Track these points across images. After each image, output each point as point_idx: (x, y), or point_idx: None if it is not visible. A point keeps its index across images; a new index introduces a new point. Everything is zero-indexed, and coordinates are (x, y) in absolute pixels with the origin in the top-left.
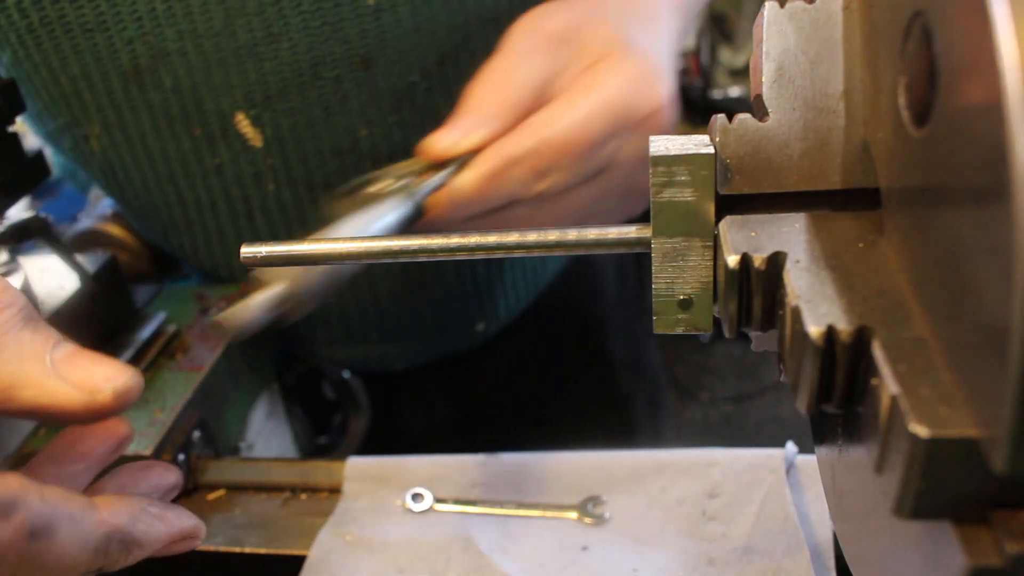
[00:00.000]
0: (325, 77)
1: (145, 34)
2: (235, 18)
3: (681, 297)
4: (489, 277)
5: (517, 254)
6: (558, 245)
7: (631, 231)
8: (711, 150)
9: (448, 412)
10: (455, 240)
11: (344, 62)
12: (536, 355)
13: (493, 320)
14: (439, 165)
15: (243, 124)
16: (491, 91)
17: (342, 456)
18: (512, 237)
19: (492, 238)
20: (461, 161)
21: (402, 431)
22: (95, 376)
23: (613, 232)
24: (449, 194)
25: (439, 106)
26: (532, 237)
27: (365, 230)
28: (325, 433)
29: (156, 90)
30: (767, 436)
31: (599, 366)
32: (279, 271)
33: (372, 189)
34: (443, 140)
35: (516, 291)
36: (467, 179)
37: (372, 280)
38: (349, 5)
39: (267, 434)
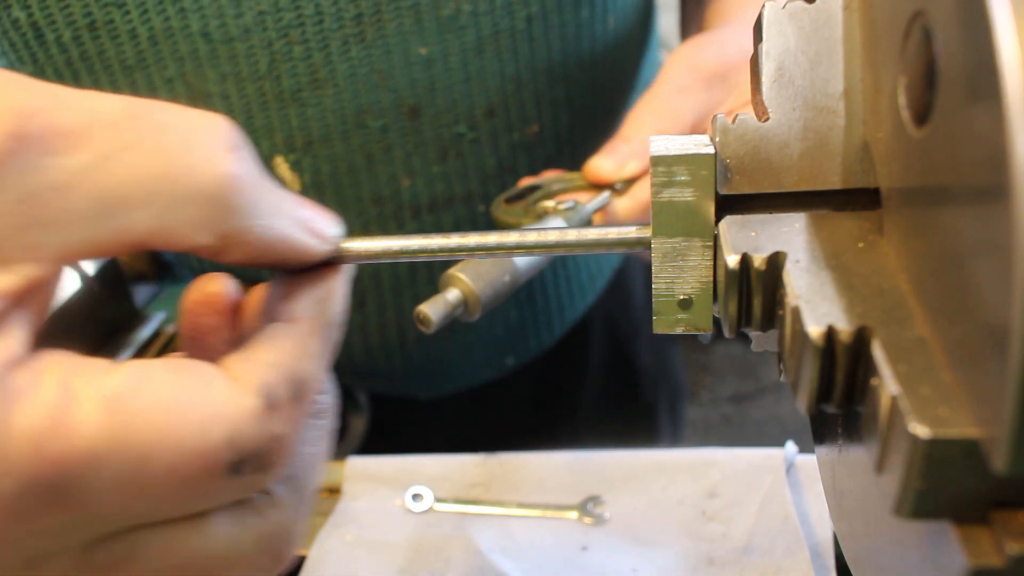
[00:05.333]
0: (370, 126)
1: (186, 74)
2: (280, 63)
3: (681, 297)
4: (521, 318)
5: (517, 254)
6: (558, 245)
7: (631, 231)
8: (711, 150)
9: (473, 431)
10: (455, 240)
11: (392, 111)
12: (566, 370)
13: (524, 354)
14: (596, 185)
15: (281, 168)
16: (650, 122)
17: (341, 456)
18: (512, 237)
19: (492, 238)
20: (619, 187)
21: (421, 449)
22: (320, 224)
23: (613, 232)
24: (610, 218)
25: (484, 157)
26: (532, 237)
27: None
28: None
29: None
30: (767, 436)
31: (627, 377)
32: (456, 277)
33: (545, 204)
34: (604, 166)
35: (550, 327)
36: (624, 207)
37: (402, 324)
38: (400, 53)
39: None
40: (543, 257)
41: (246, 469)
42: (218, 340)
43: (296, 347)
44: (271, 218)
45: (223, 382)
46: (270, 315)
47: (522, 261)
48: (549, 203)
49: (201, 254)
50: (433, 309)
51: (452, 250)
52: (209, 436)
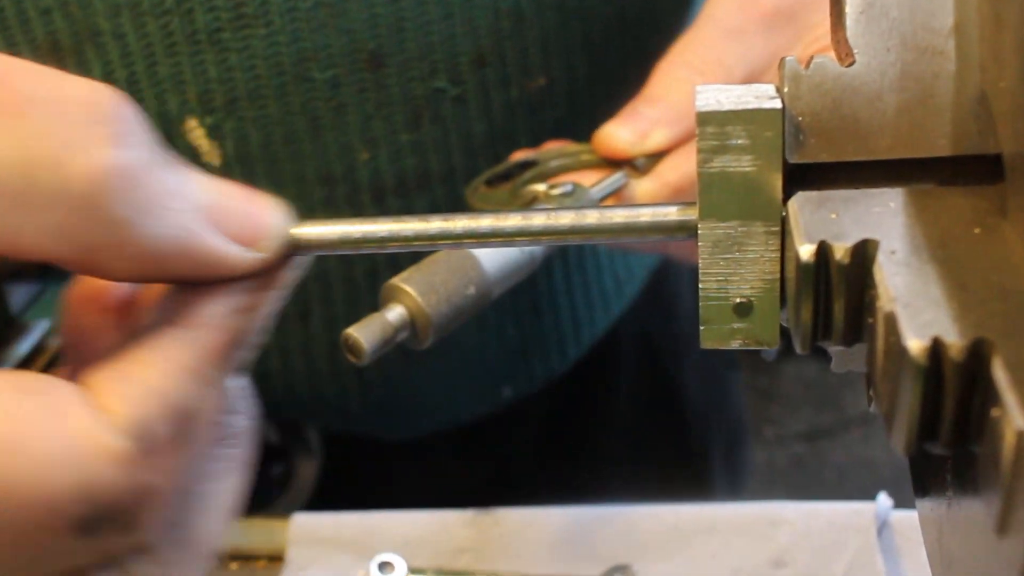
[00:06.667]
0: (316, 79)
1: (67, 4)
2: None
3: (737, 300)
4: (523, 336)
5: (519, 241)
6: (572, 231)
7: (671, 212)
8: (778, 104)
9: (460, 481)
10: (436, 225)
11: (344, 59)
12: (585, 404)
13: (525, 384)
14: (610, 162)
15: (195, 134)
16: (685, 76)
17: (285, 512)
18: (512, 221)
19: (486, 222)
20: (640, 163)
21: (390, 503)
22: (252, 222)
23: (646, 214)
24: None
25: (471, 121)
26: (539, 221)
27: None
28: (261, 482)
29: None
30: (852, 485)
31: (668, 410)
32: (401, 290)
33: (536, 188)
34: (619, 135)
35: (562, 348)
36: (646, 192)
37: None
38: None
39: None
40: (527, 255)
41: (105, 528)
42: (103, 346)
43: (188, 365)
44: (163, 221)
45: (83, 412)
46: (164, 314)
47: (493, 264)
48: (540, 187)
49: (65, 267)
50: (366, 333)
51: (432, 238)
52: (52, 483)
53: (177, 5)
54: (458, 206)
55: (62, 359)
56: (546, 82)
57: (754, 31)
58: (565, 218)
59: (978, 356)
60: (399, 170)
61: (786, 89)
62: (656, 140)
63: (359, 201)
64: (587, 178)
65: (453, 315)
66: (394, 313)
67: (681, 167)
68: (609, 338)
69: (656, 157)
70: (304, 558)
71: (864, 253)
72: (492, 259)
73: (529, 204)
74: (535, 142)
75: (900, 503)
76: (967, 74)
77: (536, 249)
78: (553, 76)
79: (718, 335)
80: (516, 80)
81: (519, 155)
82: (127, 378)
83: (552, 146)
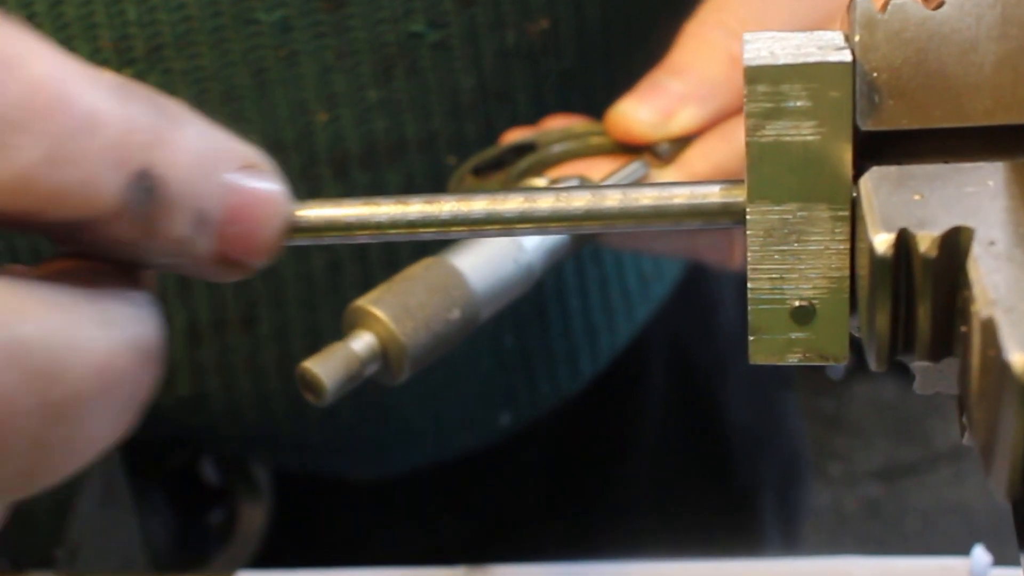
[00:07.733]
0: (261, 21)
1: None
2: None
3: (796, 304)
4: (524, 349)
5: (521, 229)
6: (588, 217)
7: (712, 193)
8: (847, 56)
9: (447, 530)
10: (416, 208)
11: None
12: (604, 433)
13: (528, 408)
14: (626, 147)
15: None
16: (718, 40)
17: (226, 568)
18: (513, 203)
19: (480, 205)
20: (663, 150)
21: (358, 558)
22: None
23: (681, 195)
24: None
25: (456, 74)
26: (546, 203)
27: (518, 240)
28: (197, 532)
29: None
30: (940, 535)
31: (707, 440)
32: (370, 315)
33: (534, 181)
34: (639, 115)
35: (574, 363)
36: None
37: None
38: None
39: (102, 533)
40: (524, 269)
41: None
42: None
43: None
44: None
45: None
46: None
47: (482, 281)
48: (539, 181)
49: None
50: (327, 368)
51: (412, 224)
52: None
53: None
54: (440, 180)
55: None
56: (549, 25)
57: None
58: (579, 200)
59: None
60: (366, 135)
61: (857, 38)
62: (683, 121)
63: (317, 174)
64: (597, 168)
65: (433, 344)
66: (361, 343)
67: (713, 154)
68: (633, 350)
69: (683, 142)
70: None
71: (955, 244)
72: (480, 275)
73: None
74: (535, 101)
75: (1001, 558)
76: None
77: (534, 260)
78: (558, 17)
79: (772, 347)
80: (512, 22)
81: (514, 136)
82: None
83: (555, 125)
